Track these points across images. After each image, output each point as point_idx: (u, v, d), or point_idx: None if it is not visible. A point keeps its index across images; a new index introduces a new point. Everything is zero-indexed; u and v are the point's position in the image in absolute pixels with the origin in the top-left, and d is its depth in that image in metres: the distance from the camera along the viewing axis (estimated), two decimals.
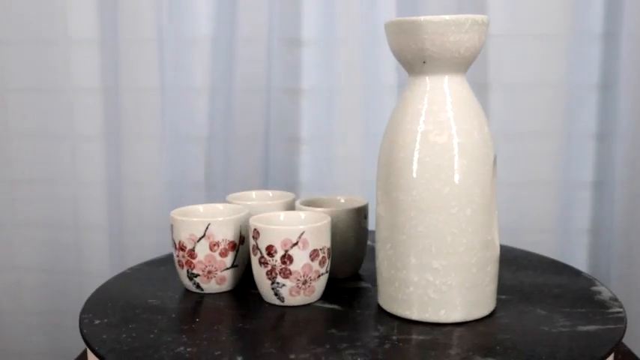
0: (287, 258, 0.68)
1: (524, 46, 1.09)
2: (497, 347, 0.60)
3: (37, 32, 1.15)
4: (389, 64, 1.11)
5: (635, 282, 1.10)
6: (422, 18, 0.63)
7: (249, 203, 0.81)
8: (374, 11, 1.10)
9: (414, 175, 0.63)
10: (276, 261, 0.68)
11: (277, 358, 0.58)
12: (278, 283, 0.69)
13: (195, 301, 0.73)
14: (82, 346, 0.80)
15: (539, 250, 0.93)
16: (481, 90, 1.11)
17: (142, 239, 1.17)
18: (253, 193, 0.89)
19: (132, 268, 0.85)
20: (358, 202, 0.82)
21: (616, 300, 0.71)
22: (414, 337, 0.63)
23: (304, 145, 1.14)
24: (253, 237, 0.70)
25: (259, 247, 0.69)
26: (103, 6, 1.13)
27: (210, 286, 0.74)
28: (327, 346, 0.60)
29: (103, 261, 1.18)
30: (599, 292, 0.74)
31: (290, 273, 0.69)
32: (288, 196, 0.86)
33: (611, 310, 0.68)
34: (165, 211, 1.16)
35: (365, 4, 1.10)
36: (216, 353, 0.59)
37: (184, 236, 0.73)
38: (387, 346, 0.60)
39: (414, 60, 0.64)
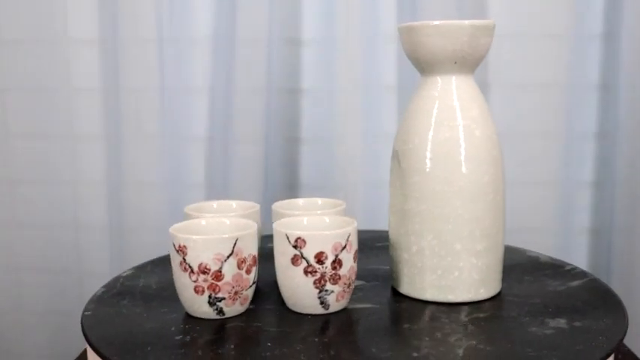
0: (337, 263, 0.66)
1: (524, 46, 1.09)
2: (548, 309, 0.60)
3: (37, 32, 1.15)
4: (389, 64, 1.11)
5: (636, 282, 1.10)
6: (455, 22, 0.69)
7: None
8: (374, 11, 1.10)
9: (463, 169, 0.68)
10: (326, 267, 0.65)
11: (405, 356, 0.58)
12: (327, 290, 0.66)
13: (216, 326, 0.66)
14: (82, 346, 0.80)
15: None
16: (481, 90, 1.11)
17: (142, 239, 1.17)
18: (214, 204, 0.84)
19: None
20: (338, 204, 0.79)
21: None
22: (480, 315, 0.67)
23: (304, 145, 1.14)
24: (295, 246, 0.65)
25: (305, 255, 0.65)
26: (103, 6, 1.13)
27: (234, 309, 0.67)
28: (427, 338, 0.62)
29: (103, 261, 1.18)
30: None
31: (339, 278, 0.66)
32: (253, 206, 0.82)
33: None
34: (166, 211, 1.16)
35: (365, 4, 1.10)
36: None
37: (208, 257, 0.64)
38: (470, 327, 0.64)
39: (445, 60, 0.69)
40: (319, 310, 0.67)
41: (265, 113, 1.14)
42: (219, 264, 0.65)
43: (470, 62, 0.70)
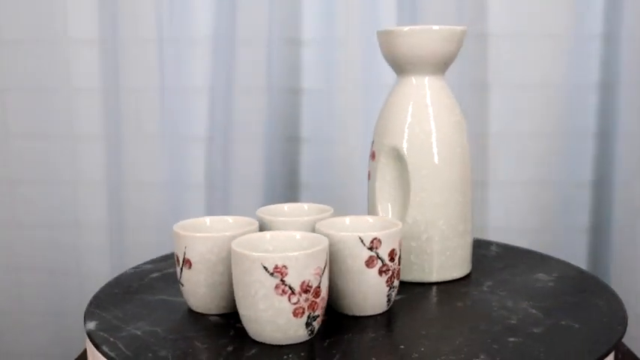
0: (399, 258, 0.67)
1: (524, 46, 1.09)
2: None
3: (37, 32, 1.15)
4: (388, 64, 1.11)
5: (635, 282, 1.10)
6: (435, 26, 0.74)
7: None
8: (374, 11, 1.10)
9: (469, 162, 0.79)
10: (395, 264, 0.66)
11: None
12: (394, 286, 0.67)
13: (308, 347, 0.61)
14: (82, 346, 0.80)
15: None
16: (481, 90, 1.11)
17: (142, 239, 1.17)
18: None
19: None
20: (326, 210, 0.75)
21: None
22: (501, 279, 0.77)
23: (304, 145, 1.14)
24: (370, 248, 0.64)
25: (381, 255, 0.65)
26: (103, 6, 1.13)
27: (317, 323, 0.62)
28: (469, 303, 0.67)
29: (103, 261, 1.18)
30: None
31: (399, 272, 0.67)
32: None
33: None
34: (166, 211, 1.16)
35: (365, 4, 1.10)
36: None
37: (309, 273, 0.58)
38: (506, 290, 0.73)
39: (419, 62, 0.75)
40: (384, 308, 0.67)
41: (265, 113, 1.14)
42: (319, 278, 0.59)
43: (441, 64, 0.75)
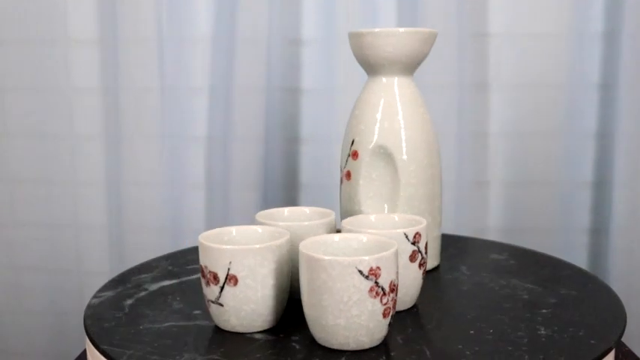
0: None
1: (524, 45, 1.09)
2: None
3: (37, 32, 1.15)
4: None
5: (635, 282, 1.10)
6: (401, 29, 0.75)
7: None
8: (374, 11, 1.10)
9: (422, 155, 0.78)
10: (427, 257, 0.69)
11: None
12: (424, 278, 0.69)
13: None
14: (82, 346, 0.80)
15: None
16: (481, 90, 1.11)
17: (142, 239, 1.17)
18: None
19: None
20: (327, 213, 0.74)
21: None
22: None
23: (304, 145, 1.14)
24: (413, 243, 0.65)
25: (421, 249, 0.67)
26: (103, 6, 1.13)
27: None
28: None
29: (102, 261, 1.18)
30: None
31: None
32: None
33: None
34: (166, 211, 1.17)
35: (365, 4, 1.10)
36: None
37: (394, 272, 0.58)
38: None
39: (388, 63, 0.76)
40: (416, 300, 0.68)
41: (265, 113, 1.14)
42: (397, 276, 0.59)
43: (410, 65, 0.77)
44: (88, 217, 1.18)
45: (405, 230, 0.65)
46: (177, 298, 0.73)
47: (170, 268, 0.84)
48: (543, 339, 0.61)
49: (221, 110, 1.15)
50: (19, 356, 1.25)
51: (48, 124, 1.17)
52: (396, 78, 0.77)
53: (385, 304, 0.57)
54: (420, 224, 0.67)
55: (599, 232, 1.14)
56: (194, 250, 0.89)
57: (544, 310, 0.68)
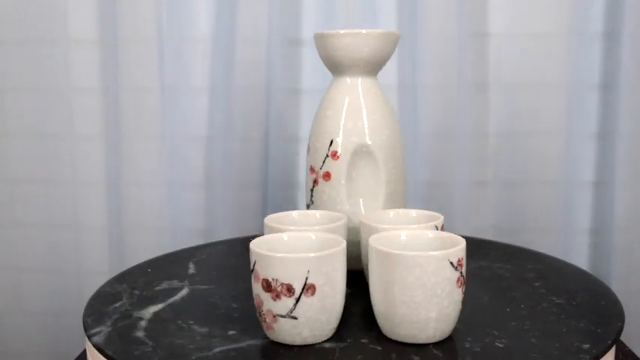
0: None
1: (524, 45, 1.09)
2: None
3: (37, 32, 1.15)
4: (389, 63, 1.10)
5: (636, 282, 1.10)
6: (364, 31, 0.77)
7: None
8: (374, 11, 1.10)
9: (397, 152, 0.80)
10: None
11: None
12: None
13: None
14: (82, 346, 0.80)
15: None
16: (481, 90, 1.11)
17: (142, 239, 1.17)
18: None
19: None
20: (338, 217, 0.73)
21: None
22: None
23: (304, 145, 1.14)
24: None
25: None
26: (103, 6, 1.13)
27: None
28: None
29: (102, 261, 1.18)
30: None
31: None
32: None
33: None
34: (166, 211, 1.16)
35: (365, 4, 1.10)
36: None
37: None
38: None
39: (352, 64, 0.77)
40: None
41: (265, 113, 1.14)
42: None
43: (374, 66, 0.79)
44: (88, 217, 1.18)
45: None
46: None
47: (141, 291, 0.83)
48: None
49: (221, 110, 1.15)
50: (18, 356, 1.25)
51: (48, 124, 1.17)
52: (360, 78, 0.79)
53: (464, 292, 0.60)
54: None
55: (599, 232, 1.13)
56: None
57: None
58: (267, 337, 0.61)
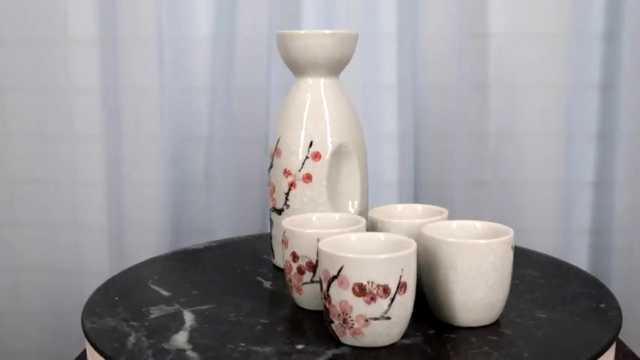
0: None
1: (525, 45, 1.09)
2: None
3: (37, 32, 1.15)
4: (389, 64, 1.11)
5: (636, 282, 1.10)
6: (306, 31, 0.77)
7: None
8: (374, 11, 1.10)
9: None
10: None
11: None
12: None
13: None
14: (82, 346, 0.80)
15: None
16: (481, 90, 1.11)
17: (142, 239, 1.17)
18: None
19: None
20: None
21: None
22: None
23: None
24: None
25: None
26: (103, 6, 1.13)
27: None
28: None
29: (102, 261, 1.18)
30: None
31: None
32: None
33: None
34: (166, 211, 1.16)
35: (365, 4, 1.10)
36: None
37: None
38: None
39: (313, 64, 0.78)
40: None
41: (265, 113, 1.14)
42: None
43: (335, 66, 0.79)
44: (88, 217, 1.18)
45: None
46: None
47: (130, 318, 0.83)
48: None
49: (221, 110, 1.15)
50: (18, 356, 1.25)
51: (48, 124, 1.17)
52: (323, 79, 0.79)
53: None
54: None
55: (599, 232, 1.13)
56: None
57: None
58: (343, 344, 0.59)
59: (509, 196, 1.13)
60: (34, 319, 1.23)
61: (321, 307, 0.61)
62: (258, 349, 0.59)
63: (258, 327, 0.64)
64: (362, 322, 0.57)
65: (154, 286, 0.77)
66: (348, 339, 0.59)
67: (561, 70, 1.09)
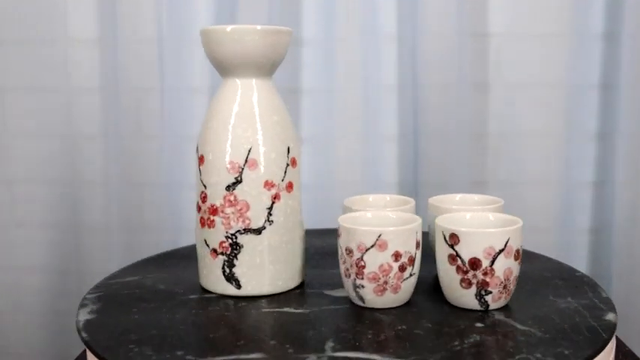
0: None
1: (524, 46, 1.10)
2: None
3: (37, 32, 1.15)
4: (389, 64, 1.11)
5: (636, 282, 1.10)
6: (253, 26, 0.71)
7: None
8: (374, 11, 1.10)
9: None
10: None
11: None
12: None
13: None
14: (82, 346, 0.80)
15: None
16: (481, 90, 1.11)
17: (142, 239, 1.17)
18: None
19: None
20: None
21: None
22: None
23: (304, 145, 1.14)
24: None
25: None
26: (103, 6, 1.13)
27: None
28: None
29: (102, 261, 1.18)
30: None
31: None
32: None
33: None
34: (166, 211, 1.16)
35: (365, 4, 1.10)
36: None
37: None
38: None
39: (241, 63, 0.71)
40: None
41: None
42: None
43: (267, 66, 0.72)
44: (88, 217, 1.18)
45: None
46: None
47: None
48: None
49: None
50: (18, 356, 1.25)
51: (48, 123, 1.17)
52: (254, 79, 0.72)
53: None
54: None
55: (599, 231, 1.14)
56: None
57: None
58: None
59: (509, 196, 1.13)
60: (35, 318, 1.23)
61: (401, 303, 0.69)
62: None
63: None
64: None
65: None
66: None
67: (561, 70, 1.09)
